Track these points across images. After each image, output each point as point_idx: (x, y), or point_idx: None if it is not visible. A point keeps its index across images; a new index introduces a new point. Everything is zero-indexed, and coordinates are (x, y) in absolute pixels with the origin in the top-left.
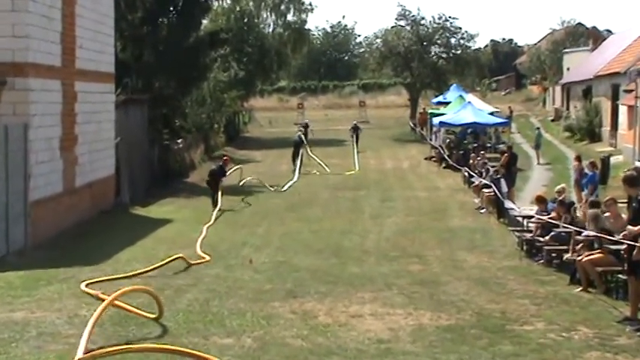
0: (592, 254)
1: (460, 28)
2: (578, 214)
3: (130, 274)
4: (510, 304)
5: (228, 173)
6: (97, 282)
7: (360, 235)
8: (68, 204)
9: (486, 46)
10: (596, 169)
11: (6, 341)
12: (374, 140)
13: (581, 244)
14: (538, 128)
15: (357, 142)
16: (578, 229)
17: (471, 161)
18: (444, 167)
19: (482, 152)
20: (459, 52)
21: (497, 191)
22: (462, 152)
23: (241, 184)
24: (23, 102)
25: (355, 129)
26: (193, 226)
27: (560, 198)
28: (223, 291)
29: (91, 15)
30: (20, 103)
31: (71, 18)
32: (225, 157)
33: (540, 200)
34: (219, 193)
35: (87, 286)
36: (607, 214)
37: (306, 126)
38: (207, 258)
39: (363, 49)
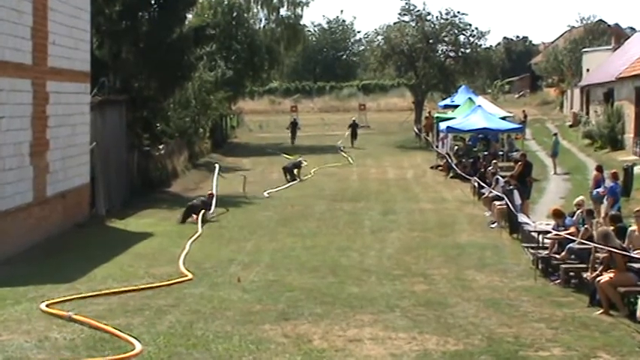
0: (611, 273)
1: (470, 25)
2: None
3: (103, 292)
4: (524, 328)
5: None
6: (60, 301)
7: (359, 251)
8: (39, 215)
9: (498, 44)
10: (618, 180)
11: None
12: (375, 147)
13: (601, 263)
14: (555, 134)
15: (354, 138)
16: (598, 245)
17: (482, 170)
18: (452, 177)
19: (492, 161)
20: (468, 50)
21: (509, 204)
22: (471, 160)
23: (245, 192)
24: None
25: (353, 126)
26: (175, 240)
27: (580, 211)
28: (208, 312)
29: (65, 8)
30: None
31: (43, 12)
32: (210, 193)
33: (557, 214)
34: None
35: (48, 306)
36: (633, 227)
37: (294, 123)
38: (191, 276)
39: (363, 47)
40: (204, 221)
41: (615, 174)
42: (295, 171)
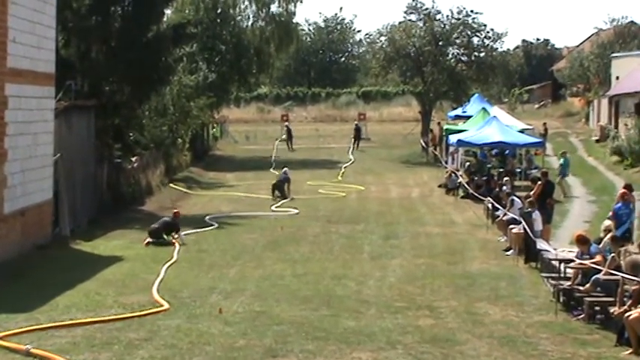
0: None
1: (484, 26)
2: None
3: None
4: None
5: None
6: (17, 333)
7: (356, 280)
8: None
9: (516, 47)
10: (628, 201)
11: None
12: (376, 162)
13: (630, 296)
14: (564, 153)
15: (357, 143)
16: (627, 276)
17: (496, 190)
18: (462, 197)
19: (506, 178)
20: (482, 54)
21: (527, 228)
22: (484, 178)
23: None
24: None
25: (357, 130)
26: (149, 265)
27: (607, 238)
28: (185, 347)
29: (28, 2)
30: None
31: (3, 5)
32: (175, 211)
33: (581, 241)
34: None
35: (2, 338)
36: None
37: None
38: (166, 306)
39: (363, 49)
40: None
41: (624, 194)
42: (285, 187)
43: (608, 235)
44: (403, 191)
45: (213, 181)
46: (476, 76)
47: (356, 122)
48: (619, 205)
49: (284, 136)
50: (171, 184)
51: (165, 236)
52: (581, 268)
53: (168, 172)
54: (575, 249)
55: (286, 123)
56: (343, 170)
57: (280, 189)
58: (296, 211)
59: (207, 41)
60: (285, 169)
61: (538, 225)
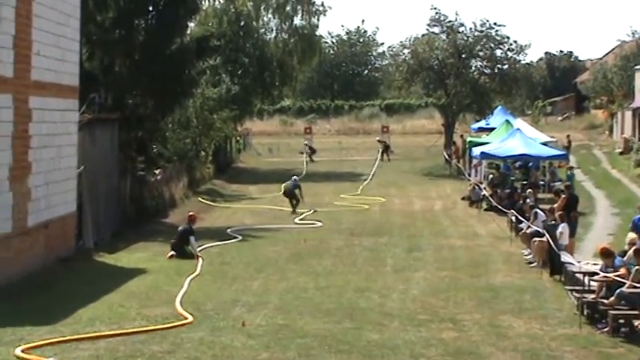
0: None
1: (507, 38)
2: None
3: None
4: None
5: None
6: (39, 345)
7: (380, 293)
8: (18, 248)
9: (540, 60)
10: None
11: None
12: (399, 174)
13: None
14: (571, 168)
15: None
16: None
17: (520, 202)
18: (486, 209)
19: (529, 190)
20: (505, 66)
21: (551, 240)
22: (508, 191)
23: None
24: None
25: (386, 146)
26: (172, 278)
27: (632, 250)
28: None
29: (52, 15)
30: None
31: (27, 18)
32: (190, 214)
33: (606, 253)
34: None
35: (24, 351)
36: None
37: (310, 148)
38: (190, 318)
39: (386, 62)
40: (187, 254)
41: None
42: (297, 192)
43: (633, 248)
44: (426, 204)
45: (236, 194)
46: (499, 88)
47: (378, 139)
48: (638, 216)
49: (306, 154)
50: (199, 199)
51: (185, 248)
52: (606, 280)
53: (192, 184)
54: (600, 262)
55: (306, 142)
56: (362, 185)
57: (292, 195)
58: (320, 224)
59: (231, 54)
60: (295, 177)
61: (564, 239)
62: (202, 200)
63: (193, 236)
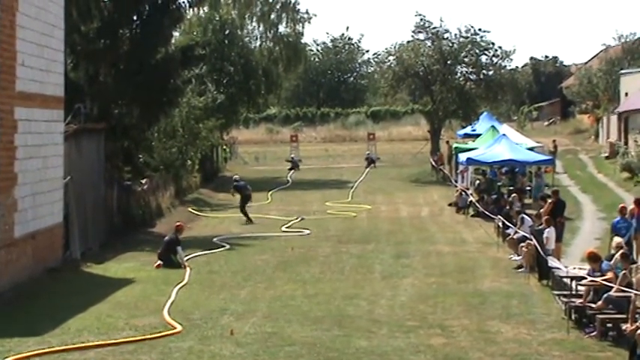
0: None
1: (492, 44)
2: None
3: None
4: None
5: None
6: (27, 356)
7: (368, 300)
8: (5, 259)
9: (525, 65)
10: (626, 215)
11: None
12: (386, 181)
13: None
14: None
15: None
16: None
17: (506, 208)
18: (473, 215)
19: (513, 195)
20: (491, 72)
21: (538, 245)
22: (494, 197)
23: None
24: None
25: (370, 161)
26: (160, 287)
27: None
28: None
29: (36, 25)
30: None
31: (11, 29)
32: (178, 224)
33: (593, 258)
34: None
35: None
36: None
37: (293, 163)
38: (178, 328)
39: (372, 69)
40: (174, 263)
41: (623, 209)
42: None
43: (619, 252)
44: (413, 210)
45: (223, 203)
46: (485, 94)
47: (367, 152)
48: (617, 219)
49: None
50: (189, 209)
51: (173, 257)
52: (593, 285)
53: (178, 194)
54: (587, 266)
55: (292, 155)
56: (351, 192)
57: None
58: (308, 232)
59: (216, 63)
60: (236, 176)
61: (551, 243)
62: (192, 210)
63: (180, 246)
